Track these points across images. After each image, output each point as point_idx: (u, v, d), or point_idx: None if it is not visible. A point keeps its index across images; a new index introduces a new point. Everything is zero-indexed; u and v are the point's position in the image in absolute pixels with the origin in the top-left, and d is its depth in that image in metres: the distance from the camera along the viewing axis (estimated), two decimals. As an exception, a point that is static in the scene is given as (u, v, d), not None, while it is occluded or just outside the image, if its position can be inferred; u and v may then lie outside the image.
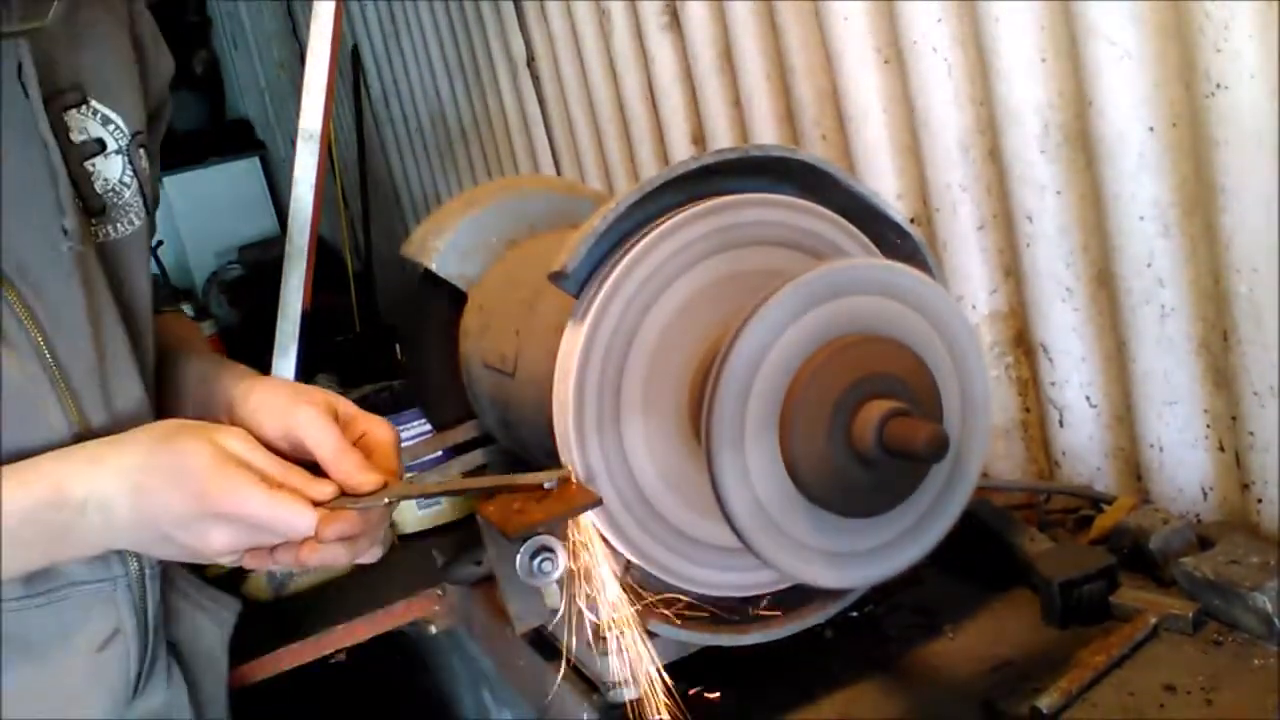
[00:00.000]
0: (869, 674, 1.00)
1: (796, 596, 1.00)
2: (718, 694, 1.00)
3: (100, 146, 0.95)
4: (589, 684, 1.04)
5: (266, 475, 0.84)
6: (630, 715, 0.96)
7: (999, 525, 1.12)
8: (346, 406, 0.93)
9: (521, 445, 1.19)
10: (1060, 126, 1.16)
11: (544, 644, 1.11)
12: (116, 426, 0.90)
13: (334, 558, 0.86)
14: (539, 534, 0.84)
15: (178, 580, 1.09)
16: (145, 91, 1.03)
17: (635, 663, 0.98)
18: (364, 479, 0.86)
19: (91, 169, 0.94)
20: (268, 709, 1.53)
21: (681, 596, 0.96)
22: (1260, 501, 1.05)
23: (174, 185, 5.10)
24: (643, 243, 0.88)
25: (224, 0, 5.10)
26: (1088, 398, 1.24)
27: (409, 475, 1.43)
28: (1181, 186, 1.05)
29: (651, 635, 0.95)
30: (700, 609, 0.97)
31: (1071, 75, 1.12)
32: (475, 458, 1.32)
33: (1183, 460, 1.14)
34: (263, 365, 2.11)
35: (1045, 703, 0.86)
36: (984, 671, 0.96)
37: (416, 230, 1.34)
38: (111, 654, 0.97)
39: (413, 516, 1.64)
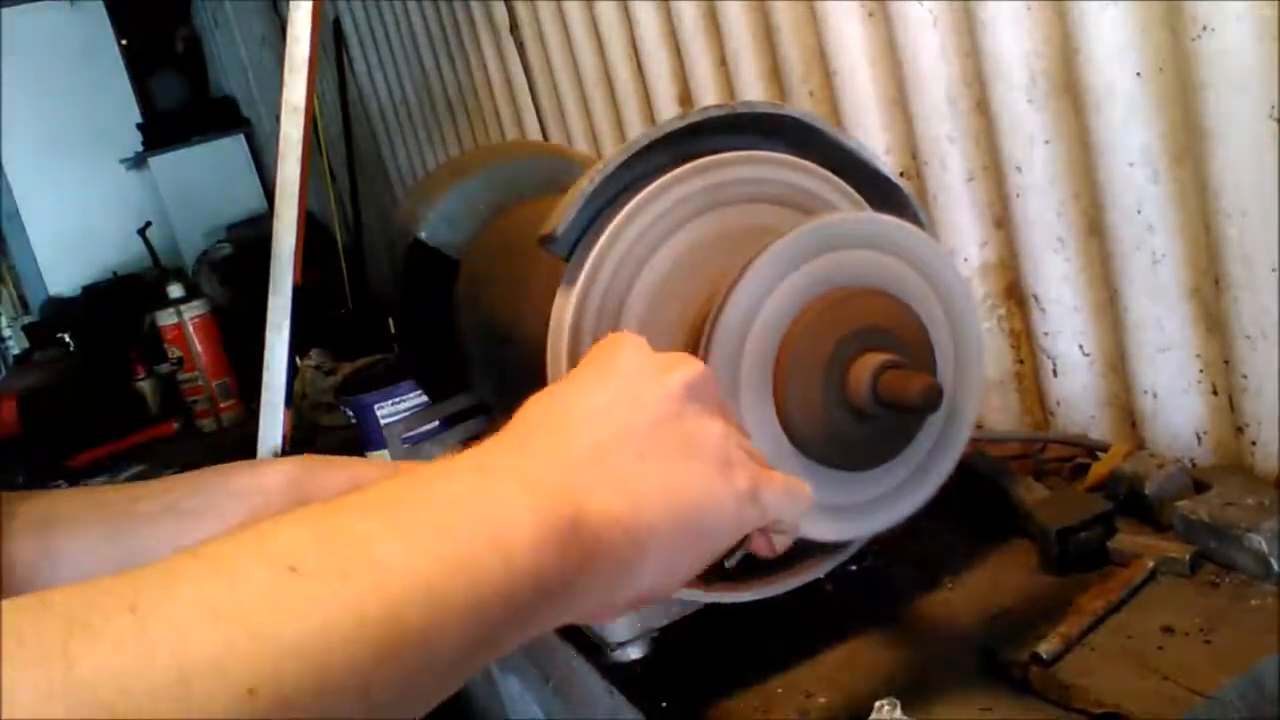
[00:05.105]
0: (869, 627, 1.01)
1: (795, 552, 1.00)
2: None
3: None
4: (593, 646, 1.04)
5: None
6: (635, 675, 0.97)
7: (995, 476, 1.13)
8: None
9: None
10: (1047, 75, 1.15)
11: (546, 608, 1.12)
12: None
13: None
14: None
15: None
16: None
17: (638, 623, 0.99)
18: None
19: None
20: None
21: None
22: (1254, 444, 1.06)
23: (159, 165, 5.08)
24: (632, 203, 0.88)
25: (203, -23, 5.05)
26: (1081, 347, 1.24)
27: (406, 447, 1.43)
28: (1170, 132, 1.05)
29: (652, 595, 0.95)
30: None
31: (1057, 23, 1.11)
32: (472, 426, 1.32)
33: (1177, 406, 1.14)
34: (257, 343, 2.11)
35: (1045, 649, 0.86)
36: (984, 620, 0.97)
37: (404, 200, 1.34)
38: None
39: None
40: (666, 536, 0.52)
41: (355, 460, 0.73)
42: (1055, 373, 1.27)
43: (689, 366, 0.58)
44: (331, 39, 3.58)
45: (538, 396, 0.58)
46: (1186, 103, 1.01)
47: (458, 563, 0.43)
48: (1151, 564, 0.96)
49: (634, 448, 0.53)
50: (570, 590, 0.48)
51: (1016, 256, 1.27)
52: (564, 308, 0.90)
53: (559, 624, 0.51)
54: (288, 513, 0.44)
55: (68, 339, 4.12)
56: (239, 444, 2.37)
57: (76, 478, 2.90)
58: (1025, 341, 1.33)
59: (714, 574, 0.98)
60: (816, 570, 1.01)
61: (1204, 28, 0.95)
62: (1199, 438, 1.14)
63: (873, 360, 0.80)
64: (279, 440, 2.06)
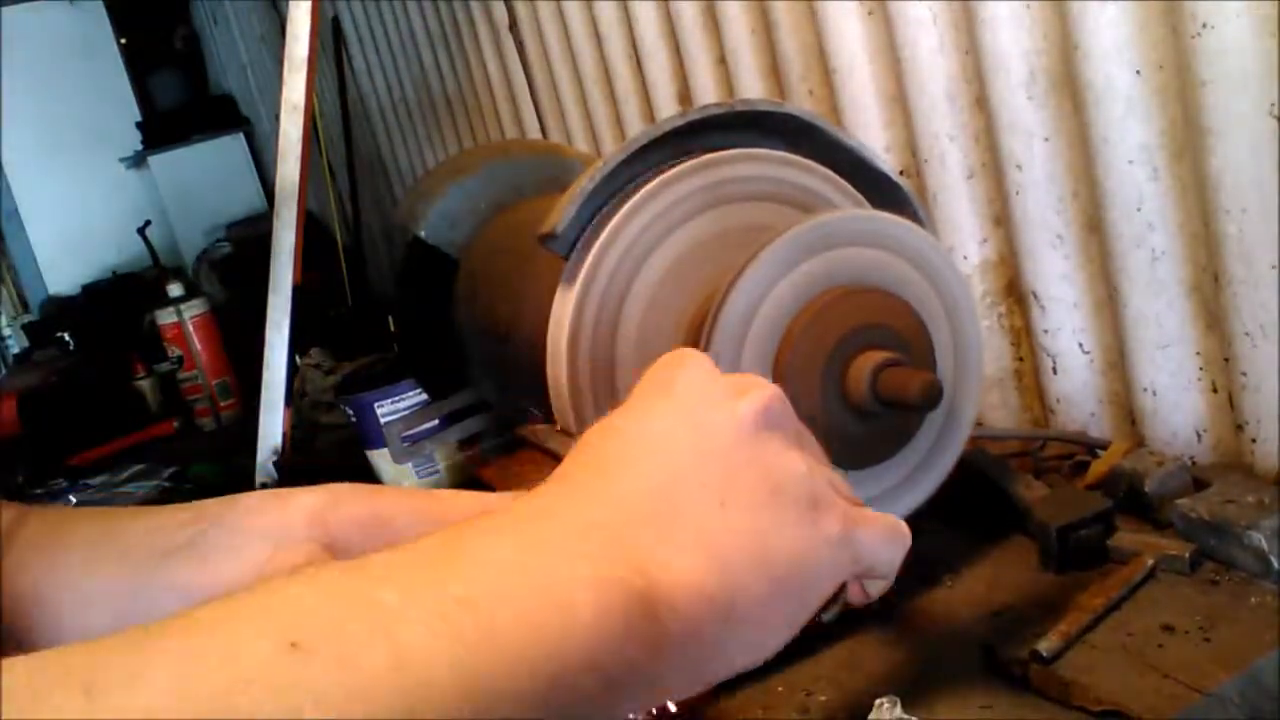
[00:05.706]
0: (868, 625, 1.01)
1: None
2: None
3: None
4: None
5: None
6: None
7: (995, 473, 1.13)
8: None
9: (518, 409, 1.19)
10: (1047, 72, 1.15)
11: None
12: None
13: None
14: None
15: None
16: None
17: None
18: None
19: None
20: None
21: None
22: (1254, 441, 1.06)
23: (158, 164, 5.08)
24: (631, 201, 0.88)
25: (202, -25, 5.05)
26: (1080, 344, 1.24)
27: (407, 445, 1.43)
28: (1169, 129, 1.05)
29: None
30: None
31: (1057, 19, 1.11)
32: (472, 424, 1.33)
33: (1176, 403, 1.14)
34: (257, 342, 2.11)
35: (1045, 646, 0.86)
36: (983, 618, 0.97)
37: (404, 198, 1.34)
38: None
39: (411, 487, 1.64)
40: (756, 601, 0.44)
41: (385, 490, 0.66)
42: (1055, 370, 1.27)
43: (762, 390, 0.47)
44: (331, 37, 3.58)
45: (593, 430, 0.48)
46: (1186, 100, 1.01)
47: (497, 649, 0.35)
48: (1151, 562, 0.96)
49: (714, 494, 0.44)
50: (640, 678, 0.39)
51: (1016, 254, 1.27)
52: (564, 305, 0.90)
53: (628, 715, 0.40)
54: (300, 571, 0.37)
55: (67, 338, 4.13)
56: (239, 443, 2.37)
57: (76, 477, 2.90)
58: (1025, 339, 1.33)
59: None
60: (816, 568, 1.01)
61: (1203, 25, 0.95)
62: (1199, 435, 1.13)
63: (872, 358, 0.80)
64: (279, 439, 2.06)
